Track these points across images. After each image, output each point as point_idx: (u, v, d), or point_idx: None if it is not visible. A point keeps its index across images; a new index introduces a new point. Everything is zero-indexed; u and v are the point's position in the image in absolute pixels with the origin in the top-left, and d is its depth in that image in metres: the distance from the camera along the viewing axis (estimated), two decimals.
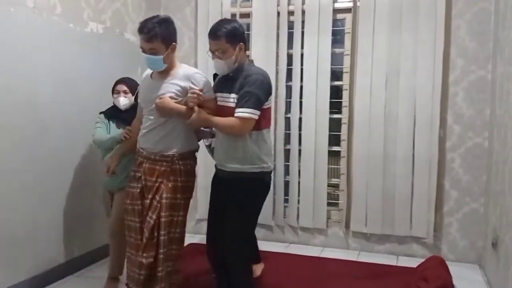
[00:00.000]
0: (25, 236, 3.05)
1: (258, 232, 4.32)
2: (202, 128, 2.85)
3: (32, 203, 3.09)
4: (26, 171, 3.03)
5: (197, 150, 2.83)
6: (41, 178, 3.15)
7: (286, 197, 4.30)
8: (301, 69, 4.13)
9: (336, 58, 4.16)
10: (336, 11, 4.09)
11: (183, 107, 2.56)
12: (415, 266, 3.63)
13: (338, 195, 4.28)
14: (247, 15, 4.27)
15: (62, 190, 3.36)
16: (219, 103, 2.64)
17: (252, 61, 2.70)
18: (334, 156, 4.28)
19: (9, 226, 2.92)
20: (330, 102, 4.10)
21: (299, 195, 4.24)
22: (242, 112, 2.46)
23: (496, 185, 3.35)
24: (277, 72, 4.21)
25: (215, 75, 3.21)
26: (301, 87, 4.15)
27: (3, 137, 2.85)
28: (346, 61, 4.11)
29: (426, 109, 3.83)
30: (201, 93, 2.52)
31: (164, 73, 2.65)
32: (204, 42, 4.27)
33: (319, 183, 4.15)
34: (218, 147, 2.70)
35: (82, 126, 3.41)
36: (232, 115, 2.50)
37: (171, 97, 2.58)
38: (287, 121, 4.25)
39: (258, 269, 3.36)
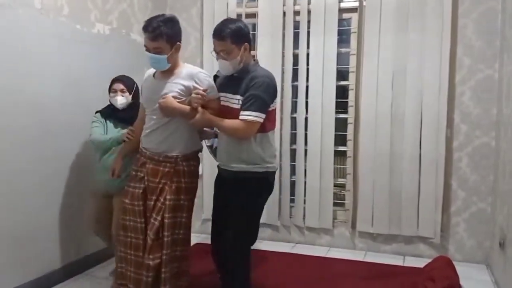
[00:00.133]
0: (29, 236, 3.05)
1: (264, 232, 4.34)
2: (205, 129, 2.84)
3: (36, 204, 3.09)
4: (31, 171, 3.03)
5: (200, 150, 2.82)
6: (46, 179, 3.16)
7: (292, 197, 4.30)
8: (307, 69, 4.13)
9: (342, 58, 4.16)
10: (342, 10, 4.08)
11: (187, 107, 2.54)
12: (422, 266, 3.61)
13: (344, 195, 4.27)
14: (253, 15, 4.27)
15: (66, 191, 3.34)
16: (222, 103, 2.63)
17: (257, 61, 2.68)
18: (340, 156, 4.27)
19: (13, 227, 2.91)
20: (336, 102, 4.09)
21: (305, 195, 4.23)
22: (247, 115, 2.45)
23: (503, 184, 3.33)
24: (283, 72, 4.21)
25: (215, 77, 3.21)
26: (307, 87, 4.14)
27: (9, 137, 2.86)
28: (352, 60, 4.10)
29: (433, 108, 3.82)
30: (205, 93, 2.51)
31: (167, 73, 2.64)
32: (209, 42, 4.26)
33: (325, 183, 4.15)
34: (221, 147, 2.68)
35: (87, 127, 3.38)
36: (235, 116, 2.48)
37: (174, 97, 2.57)
38: (293, 121, 4.25)
39: None
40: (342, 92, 4.20)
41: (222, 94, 2.64)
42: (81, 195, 3.41)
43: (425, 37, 3.80)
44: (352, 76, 4.11)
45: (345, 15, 4.13)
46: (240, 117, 2.46)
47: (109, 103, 3.15)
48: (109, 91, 3.13)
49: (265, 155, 2.57)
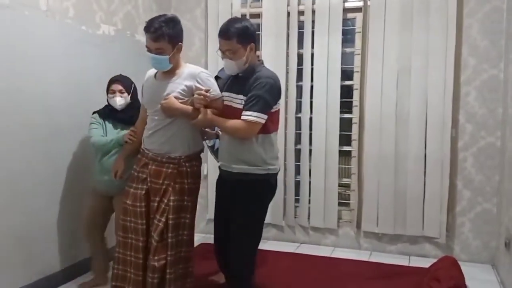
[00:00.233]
0: (29, 237, 3.04)
1: (269, 232, 4.35)
2: (208, 130, 2.82)
3: (37, 204, 3.08)
4: (34, 171, 3.04)
5: (202, 150, 2.80)
6: (49, 179, 3.16)
7: (297, 197, 4.30)
8: (312, 69, 4.13)
9: (346, 58, 4.16)
10: (346, 10, 4.08)
11: (189, 107, 2.53)
12: (427, 266, 3.60)
13: (349, 195, 4.27)
14: (257, 16, 4.27)
15: (68, 191, 3.32)
16: (226, 103, 2.60)
17: (262, 62, 2.65)
18: (345, 156, 4.27)
19: (13, 228, 2.90)
20: (341, 102, 4.09)
21: (310, 195, 4.24)
22: (249, 116, 2.42)
23: (509, 184, 3.33)
24: (287, 72, 4.21)
25: (216, 78, 3.21)
26: (312, 87, 4.15)
27: (13, 137, 2.87)
28: (357, 60, 4.10)
29: (438, 108, 3.81)
30: (207, 94, 2.49)
31: (169, 73, 2.62)
32: (214, 43, 4.30)
33: (330, 183, 4.15)
34: (223, 148, 2.65)
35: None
36: (238, 116, 2.45)
37: (176, 97, 2.55)
38: (298, 121, 4.25)
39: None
40: (346, 92, 4.19)
41: (226, 94, 2.61)
42: (83, 196, 3.39)
43: (430, 37, 3.79)
44: (356, 76, 4.11)
45: (350, 15, 4.12)
46: (242, 117, 2.43)
47: (106, 103, 3.11)
48: (107, 91, 3.08)
49: (266, 157, 2.53)
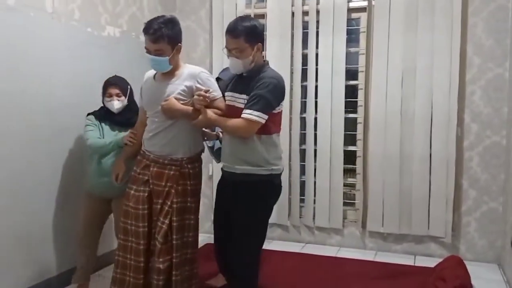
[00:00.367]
0: (34, 239, 3.05)
1: (274, 231, 4.36)
2: (207, 131, 2.81)
3: (36, 206, 3.07)
4: (38, 172, 3.05)
5: (203, 151, 2.80)
6: (49, 180, 3.16)
7: (302, 197, 4.31)
8: (316, 69, 4.14)
9: (351, 58, 4.15)
10: (350, 10, 4.08)
11: (189, 108, 2.51)
12: (433, 266, 3.60)
13: (354, 194, 4.27)
14: (261, 16, 4.28)
15: (69, 193, 3.28)
16: (228, 102, 2.58)
17: (267, 62, 2.63)
18: (350, 155, 4.27)
19: (12, 229, 2.90)
20: (346, 102, 4.10)
21: (315, 195, 4.24)
22: (249, 114, 2.39)
23: None
24: (292, 72, 4.21)
25: (217, 79, 3.20)
26: (316, 87, 4.15)
27: (18, 138, 2.89)
28: (362, 60, 4.10)
29: (443, 107, 3.80)
30: (207, 94, 2.46)
31: (169, 74, 2.60)
32: (218, 44, 4.31)
33: (335, 183, 4.15)
34: (225, 149, 2.63)
35: None
36: (239, 115, 2.43)
37: (177, 98, 2.53)
38: (303, 121, 4.25)
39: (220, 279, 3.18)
40: (351, 92, 4.19)
41: (229, 94, 2.60)
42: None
43: (435, 36, 3.79)
44: (361, 76, 4.11)
45: (354, 15, 4.12)
46: (242, 115, 2.41)
47: (102, 105, 3.06)
48: (104, 94, 3.01)
49: (269, 157, 2.51)
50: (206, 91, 2.48)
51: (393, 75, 3.92)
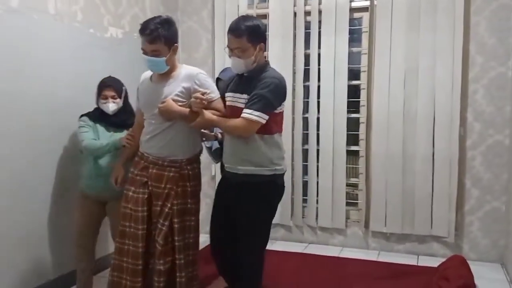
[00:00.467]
0: (38, 239, 3.05)
1: (277, 232, 4.36)
2: (206, 132, 2.79)
3: (35, 208, 3.07)
4: (41, 171, 3.06)
5: (201, 151, 2.78)
6: (55, 180, 3.17)
7: (305, 197, 4.31)
8: (318, 69, 4.14)
9: (353, 57, 4.15)
10: (353, 10, 4.08)
11: (187, 110, 2.48)
12: (436, 265, 3.60)
13: (357, 194, 4.27)
14: (263, 16, 4.28)
15: (73, 193, 3.20)
16: (229, 103, 2.55)
17: (268, 62, 2.61)
18: (352, 155, 4.27)
19: (20, 228, 2.92)
20: (348, 102, 4.09)
21: (317, 195, 4.24)
22: (249, 114, 2.37)
23: None
24: (294, 72, 4.21)
25: (217, 80, 3.20)
26: (319, 87, 4.15)
27: (22, 138, 2.91)
28: (364, 60, 4.10)
29: (446, 107, 3.80)
30: (204, 97, 2.43)
31: (165, 75, 2.57)
32: (221, 44, 4.32)
33: (337, 183, 4.15)
34: (228, 149, 2.59)
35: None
36: (240, 115, 2.42)
37: (174, 100, 2.50)
38: (305, 121, 4.26)
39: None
40: (354, 92, 4.19)
41: (230, 94, 2.57)
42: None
43: (437, 35, 3.78)
44: (363, 76, 4.11)
45: (356, 15, 4.12)
46: (242, 114, 2.39)
47: (96, 106, 3.00)
48: (99, 95, 2.95)
49: (272, 157, 2.49)
50: (203, 94, 2.45)
51: (396, 74, 3.91)
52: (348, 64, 4.07)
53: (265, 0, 4.33)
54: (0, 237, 2.80)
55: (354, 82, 4.17)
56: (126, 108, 3.01)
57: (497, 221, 3.79)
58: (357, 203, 4.25)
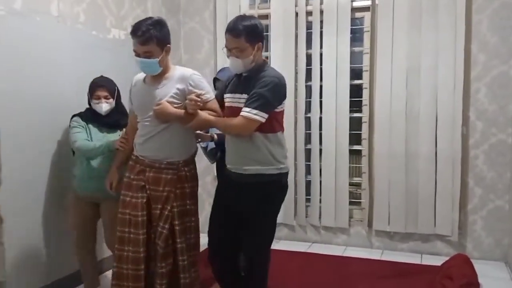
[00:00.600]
0: (42, 240, 3.06)
1: (281, 231, 4.36)
2: (201, 132, 2.78)
3: (48, 207, 3.09)
4: (43, 171, 3.07)
5: (196, 152, 2.76)
6: (59, 179, 3.17)
7: (308, 197, 4.32)
8: (321, 69, 4.14)
9: (355, 57, 4.16)
10: (354, 9, 4.08)
11: (182, 111, 2.45)
12: (439, 264, 3.60)
13: (360, 194, 4.27)
14: (265, 17, 4.29)
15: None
16: (230, 104, 2.53)
17: (267, 62, 2.59)
18: (355, 155, 4.28)
19: (24, 229, 2.93)
20: (350, 101, 4.10)
21: (320, 195, 4.24)
22: (248, 112, 2.35)
23: None
24: (296, 72, 4.22)
25: (215, 80, 3.20)
26: (321, 86, 4.15)
27: (25, 139, 2.92)
28: (366, 59, 4.10)
29: (448, 106, 3.80)
30: (199, 99, 2.40)
31: (159, 77, 2.55)
32: (222, 45, 4.28)
33: (340, 182, 4.16)
34: (231, 150, 2.55)
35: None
36: None
37: (169, 102, 2.48)
38: (307, 120, 4.26)
39: None
40: (356, 91, 4.19)
41: (229, 95, 2.55)
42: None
43: (439, 34, 3.78)
44: (366, 75, 4.11)
45: (358, 14, 4.13)
46: (241, 113, 2.37)
47: (88, 106, 2.98)
48: (91, 96, 2.92)
49: (277, 155, 2.48)
50: (198, 95, 2.42)
51: (398, 74, 3.92)
52: (350, 63, 4.07)
53: (267, 0, 4.34)
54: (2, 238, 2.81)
55: (356, 82, 4.17)
56: (118, 108, 2.99)
57: (501, 219, 3.79)
58: (360, 202, 4.25)
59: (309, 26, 4.18)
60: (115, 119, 2.94)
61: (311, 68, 4.18)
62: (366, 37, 4.10)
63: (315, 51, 4.15)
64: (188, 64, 4.39)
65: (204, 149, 3.03)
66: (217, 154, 3.04)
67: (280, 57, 4.20)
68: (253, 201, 2.49)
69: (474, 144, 3.84)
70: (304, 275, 3.54)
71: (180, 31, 4.59)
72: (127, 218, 2.56)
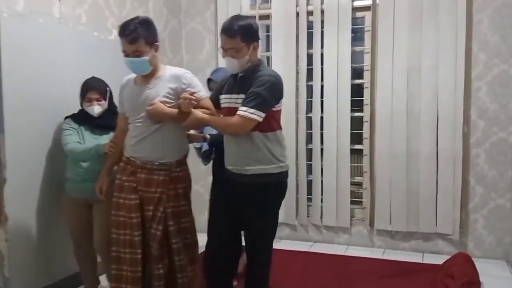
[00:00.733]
0: (46, 239, 3.06)
1: (282, 231, 4.37)
2: (194, 133, 2.77)
3: (50, 205, 3.09)
4: (45, 171, 3.07)
5: (188, 152, 2.74)
6: (57, 181, 3.14)
7: (310, 196, 4.32)
8: (322, 69, 4.15)
9: (356, 56, 4.17)
10: (355, 9, 4.09)
11: (176, 111, 2.45)
12: (441, 263, 3.60)
13: (361, 193, 4.28)
14: (266, 17, 4.31)
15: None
16: (227, 105, 2.51)
17: (262, 61, 2.58)
18: (356, 154, 4.28)
19: (28, 229, 2.94)
20: (351, 101, 4.11)
21: (322, 194, 4.25)
22: (245, 111, 2.33)
23: None
24: (297, 72, 4.23)
25: (208, 81, 3.20)
26: (322, 86, 4.17)
27: (28, 140, 2.93)
28: (367, 59, 4.11)
29: (449, 105, 3.81)
30: (193, 97, 2.40)
31: (150, 77, 2.52)
32: None
33: (342, 181, 4.17)
34: (232, 151, 2.52)
35: None
36: None
37: (162, 102, 2.46)
38: (309, 120, 4.27)
39: None
40: (357, 91, 4.20)
41: (226, 96, 2.53)
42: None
43: (440, 33, 3.79)
44: (367, 75, 4.12)
45: (359, 14, 4.14)
46: (237, 112, 2.36)
47: (80, 108, 2.95)
48: (83, 98, 2.89)
49: (276, 153, 2.48)
50: (192, 94, 2.42)
51: (399, 73, 3.93)
52: (351, 63, 4.08)
53: (268, 0, 4.35)
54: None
55: (358, 81, 4.18)
56: (111, 109, 2.95)
57: (502, 218, 3.80)
58: (361, 201, 4.26)
59: (310, 26, 4.19)
60: (108, 121, 2.91)
61: (312, 68, 4.19)
62: (367, 37, 4.11)
63: (316, 51, 4.16)
64: (189, 65, 4.41)
65: (198, 150, 3.01)
66: (211, 156, 3.03)
67: (281, 57, 4.21)
68: (255, 201, 2.49)
69: (475, 143, 3.84)
70: (306, 275, 3.55)
71: (181, 31, 4.60)
72: (122, 220, 2.54)
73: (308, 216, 4.36)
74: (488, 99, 3.78)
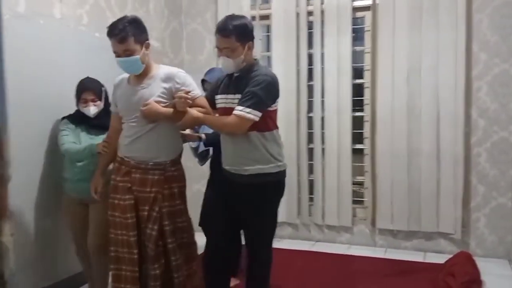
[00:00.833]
0: (49, 239, 3.07)
1: (284, 230, 4.38)
2: (189, 132, 2.77)
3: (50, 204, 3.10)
4: (46, 171, 3.07)
5: (182, 152, 2.73)
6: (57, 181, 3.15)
7: (311, 196, 4.33)
8: (322, 68, 4.16)
9: (357, 56, 4.17)
10: (355, 9, 4.10)
11: (171, 110, 2.44)
12: (442, 262, 3.61)
13: (363, 192, 4.28)
14: (266, 17, 4.32)
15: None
16: (223, 105, 2.52)
17: (258, 61, 2.58)
18: (357, 154, 4.29)
19: (32, 227, 2.95)
20: (352, 100, 4.11)
21: (323, 194, 4.26)
22: (241, 111, 2.33)
23: None
24: (298, 72, 4.24)
25: (203, 81, 3.19)
26: (323, 86, 4.17)
27: (29, 141, 2.93)
28: (367, 59, 4.12)
29: (450, 104, 3.81)
30: (188, 96, 2.40)
31: (143, 76, 2.52)
32: None
33: (343, 181, 4.17)
34: (229, 151, 2.51)
35: None
36: None
37: (157, 101, 2.46)
38: (310, 120, 4.27)
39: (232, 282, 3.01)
40: (358, 91, 4.21)
41: (222, 96, 2.53)
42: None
43: (440, 33, 3.80)
44: (367, 74, 4.13)
45: (359, 14, 4.14)
46: (234, 112, 2.35)
47: (76, 108, 2.95)
48: (78, 99, 2.89)
49: (274, 153, 2.48)
50: (187, 92, 2.42)
51: (399, 73, 3.93)
52: (352, 63, 4.09)
53: (268, 0, 4.36)
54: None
55: (358, 81, 4.18)
56: (107, 109, 2.94)
57: (504, 217, 3.80)
58: (363, 201, 4.26)
59: (310, 26, 4.20)
60: (104, 121, 2.89)
61: (312, 68, 4.20)
62: (367, 37, 4.12)
63: (316, 51, 4.17)
64: (190, 65, 4.42)
65: (195, 150, 2.99)
66: (208, 156, 3.02)
67: (282, 57, 4.22)
68: (253, 201, 2.49)
69: (476, 142, 3.85)
70: (308, 274, 3.55)
71: (182, 32, 4.61)
72: (118, 220, 2.54)
73: (309, 216, 4.36)
74: (488, 98, 3.79)
